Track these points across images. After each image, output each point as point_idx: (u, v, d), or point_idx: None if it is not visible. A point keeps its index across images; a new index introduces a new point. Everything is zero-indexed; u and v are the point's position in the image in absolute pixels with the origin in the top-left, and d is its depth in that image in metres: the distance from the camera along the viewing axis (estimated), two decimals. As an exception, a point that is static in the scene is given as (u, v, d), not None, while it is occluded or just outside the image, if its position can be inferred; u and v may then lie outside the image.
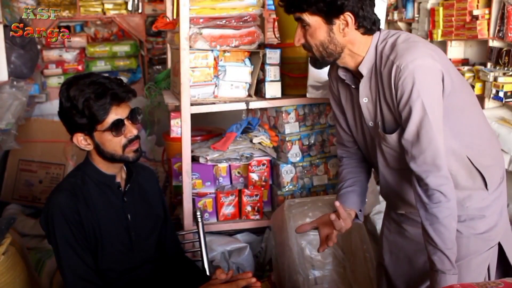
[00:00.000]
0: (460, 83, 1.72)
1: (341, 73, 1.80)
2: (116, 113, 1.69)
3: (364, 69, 1.70)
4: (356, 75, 1.77)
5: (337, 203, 1.77)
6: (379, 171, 1.84)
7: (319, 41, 1.68)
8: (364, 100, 1.74)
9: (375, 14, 1.69)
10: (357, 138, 1.89)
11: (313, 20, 1.66)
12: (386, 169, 1.81)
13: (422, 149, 1.61)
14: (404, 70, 1.58)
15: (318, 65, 1.78)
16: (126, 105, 1.73)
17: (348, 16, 1.64)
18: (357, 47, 1.69)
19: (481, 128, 1.78)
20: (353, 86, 1.78)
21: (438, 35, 3.63)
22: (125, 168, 1.86)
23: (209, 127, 3.43)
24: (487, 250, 1.78)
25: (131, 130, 1.72)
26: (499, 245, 1.83)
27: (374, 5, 1.69)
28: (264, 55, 2.63)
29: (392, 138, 1.69)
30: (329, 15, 1.64)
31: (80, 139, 1.72)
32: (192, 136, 2.60)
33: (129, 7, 5.90)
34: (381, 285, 2.04)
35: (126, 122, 1.71)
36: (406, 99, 1.59)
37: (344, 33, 1.66)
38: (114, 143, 1.71)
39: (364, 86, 1.73)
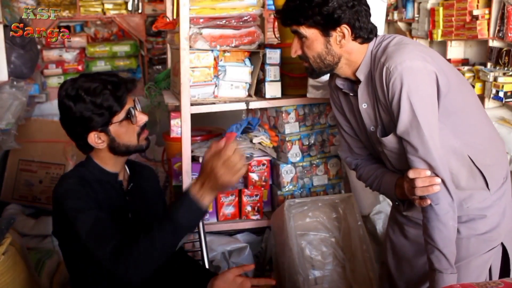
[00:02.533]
0: (459, 83, 1.72)
1: (338, 83, 1.81)
2: (128, 103, 1.71)
3: (361, 75, 1.71)
4: (355, 82, 1.77)
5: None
6: None
7: (316, 53, 1.70)
8: (364, 105, 1.75)
9: (371, 23, 1.70)
10: (365, 143, 1.89)
11: (310, 33, 1.68)
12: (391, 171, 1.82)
13: (415, 150, 1.61)
14: (393, 72, 1.59)
15: (315, 75, 1.80)
16: (130, 96, 1.75)
17: (345, 28, 1.65)
18: (354, 55, 1.71)
19: (483, 128, 1.78)
20: (351, 94, 1.79)
21: (438, 35, 3.63)
22: (127, 168, 1.87)
23: (209, 127, 3.43)
24: (488, 251, 1.77)
25: (142, 116, 1.74)
26: (503, 246, 1.82)
27: (370, 15, 1.70)
28: (264, 55, 2.63)
29: (389, 140, 1.69)
30: (326, 28, 1.66)
31: (95, 138, 1.70)
32: (192, 136, 2.60)
33: (129, 7, 5.91)
34: (384, 284, 2.04)
35: (135, 110, 1.73)
36: (396, 101, 1.60)
37: (341, 45, 1.68)
38: (130, 133, 1.72)
39: (362, 92, 1.73)
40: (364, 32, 1.67)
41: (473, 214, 1.75)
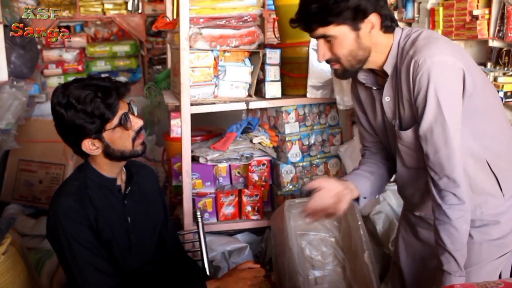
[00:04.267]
0: (483, 85, 1.68)
1: (361, 77, 1.76)
2: (121, 108, 1.68)
3: (389, 68, 1.67)
4: (380, 74, 1.73)
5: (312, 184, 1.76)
6: (397, 170, 1.82)
7: (347, 50, 1.63)
8: (387, 99, 1.71)
9: (390, 10, 1.67)
10: (382, 138, 1.86)
11: (340, 31, 1.61)
12: (403, 169, 1.78)
13: (436, 149, 1.57)
14: (422, 65, 1.54)
15: (348, 75, 1.72)
16: (123, 100, 1.72)
17: (373, 17, 1.61)
18: (379, 47, 1.66)
19: (502, 132, 1.74)
20: (374, 88, 1.75)
21: (438, 35, 3.63)
22: (125, 170, 1.86)
23: (209, 127, 3.43)
24: (500, 257, 1.75)
25: (137, 121, 1.72)
26: None
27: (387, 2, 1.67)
28: (264, 55, 2.63)
29: (407, 135, 1.65)
30: (356, 21, 1.60)
31: (89, 145, 1.69)
32: (192, 136, 2.60)
33: (129, 7, 5.90)
34: (395, 284, 2.03)
35: (129, 115, 1.70)
36: (423, 95, 1.55)
37: (371, 36, 1.63)
38: (124, 138, 1.70)
39: (388, 85, 1.69)
40: (388, 20, 1.63)
41: (487, 220, 1.72)
